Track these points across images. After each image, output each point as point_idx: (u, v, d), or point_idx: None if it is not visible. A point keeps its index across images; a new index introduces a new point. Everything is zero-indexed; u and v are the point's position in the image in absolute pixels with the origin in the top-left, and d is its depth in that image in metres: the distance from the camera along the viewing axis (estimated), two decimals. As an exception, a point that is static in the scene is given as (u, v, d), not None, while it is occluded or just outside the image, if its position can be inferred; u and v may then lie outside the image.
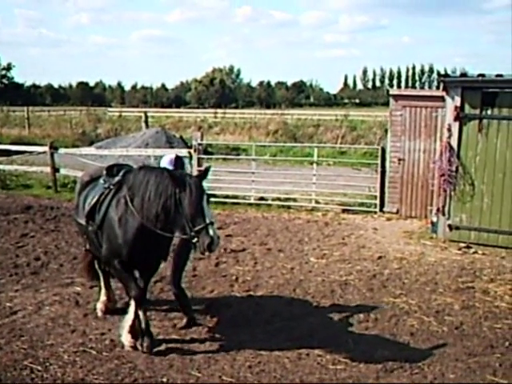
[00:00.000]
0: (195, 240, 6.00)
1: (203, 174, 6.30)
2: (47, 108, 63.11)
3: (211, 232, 5.95)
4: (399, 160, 14.00)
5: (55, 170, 17.54)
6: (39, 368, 6.22)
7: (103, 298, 7.82)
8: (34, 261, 10.22)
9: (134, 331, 6.73)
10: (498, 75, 10.95)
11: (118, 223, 6.52)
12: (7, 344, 6.79)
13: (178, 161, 7.20)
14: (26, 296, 8.44)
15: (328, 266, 10.19)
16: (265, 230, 12.82)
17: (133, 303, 6.76)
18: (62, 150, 18.47)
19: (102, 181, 7.10)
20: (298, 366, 6.36)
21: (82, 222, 7.11)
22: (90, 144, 27.20)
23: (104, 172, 7.19)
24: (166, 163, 7.10)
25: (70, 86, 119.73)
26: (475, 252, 11.08)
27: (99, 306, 7.79)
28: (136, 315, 6.71)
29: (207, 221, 5.98)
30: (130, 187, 6.51)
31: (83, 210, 7.11)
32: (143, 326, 6.69)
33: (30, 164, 19.44)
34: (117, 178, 6.88)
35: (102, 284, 7.87)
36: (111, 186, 6.83)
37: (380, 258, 10.71)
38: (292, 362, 6.46)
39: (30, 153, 19.94)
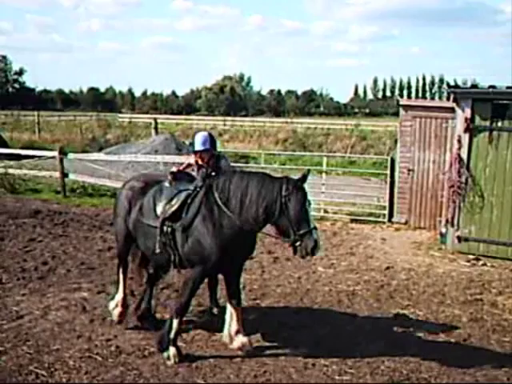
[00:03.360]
0: (298, 244, 6.07)
1: (303, 178, 6.21)
2: (58, 113, 63.51)
3: (315, 236, 6.06)
4: (409, 170, 13.97)
5: (64, 174, 17.60)
6: (44, 373, 6.22)
7: (120, 308, 7.60)
8: (41, 265, 10.22)
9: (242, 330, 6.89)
10: (508, 87, 10.91)
11: (212, 226, 6.42)
12: (13, 348, 6.79)
13: (212, 139, 7.16)
14: (32, 300, 8.44)
15: (335, 276, 10.16)
16: (272, 239, 12.76)
17: (229, 308, 6.94)
18: (71, 155, 18.53)
19: (167, 184, 7.04)
20: (303, 376, 6.33)
21: (153, 223, 6.87)
22: (100, 150, 27.23)
23: (169, 177, 7.10)
24: (199, 144, 7.03)
25: (81, 92, 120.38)
26: (484, 264, 11.03)
27: (116, 312, 7.60)
28: (171, 321, 6.68)
29: (311, 225, 6.08)
30: (221, 190, 6.46)
31: (154, 212, 6.91)
32: (172, 335, 6.63)
33: (40, 169, 19.51)
34: (199, 182, 6.80)
35: (121, 289, 7.68)
36: (198, 189, 6.71)
37: (388, 268, 10.67)
38: (298, 371, 6.43)
39: (40, 157, 20.02)
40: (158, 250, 6.81)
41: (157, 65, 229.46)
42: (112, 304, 7.70)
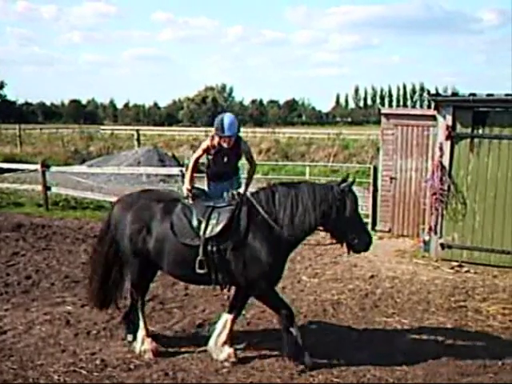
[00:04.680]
0: (355, 241, 6.53)
1: (352, 182, 6.70)
2: (39, 126, 63.05)
3: (368, 231, 6.81)
4: (391, 179, 14.03)
5: (46, 188, 17.48)
6: (29, 389, 6.16)
7: (149, 341, 7.09)
8: (24, 279, 10.14)
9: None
10: (488, 94, 11.00)
11: (265, 241, 6.46)
12: (-4, 364, 6.73)
13: (238, 122, 7.13)
14: (16, 315, 8.36)
15: (320, 285, 10.16)
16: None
17: (226, 317, 7.00)
18: (53, 168, 18.44)
19: (190, 201, 6.85)
20: (290, 387, 6.31)
21: (192, 242, 6.59)
22: (82, 162, 27.17)
23: (188, 193, 6.92)
24: (227, 128, 6.92)
25: (63, 104, 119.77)
26: (467, 271, 11.09)
27: (148, 348, 7.03)
28: (289, 332, 6.67)
29: (363, 221, 6.86)
30: (265, 203, 6.55)
31: (191, 230, 6.60)
32: (300, 340, 6.63)
33: (22, 182, 19.42)
34: (234, 198, 6.75)
35: (142, 324, 7.16)
36: (238, 205, 6.63)
37: (372, 276, 10.69)
38: (284, 382, 6.41)
39: (22, 171, 19.91)
40: (203, 271, 6.55)
41: (138, 76, 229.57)
42: (138, 345, 7.10)
